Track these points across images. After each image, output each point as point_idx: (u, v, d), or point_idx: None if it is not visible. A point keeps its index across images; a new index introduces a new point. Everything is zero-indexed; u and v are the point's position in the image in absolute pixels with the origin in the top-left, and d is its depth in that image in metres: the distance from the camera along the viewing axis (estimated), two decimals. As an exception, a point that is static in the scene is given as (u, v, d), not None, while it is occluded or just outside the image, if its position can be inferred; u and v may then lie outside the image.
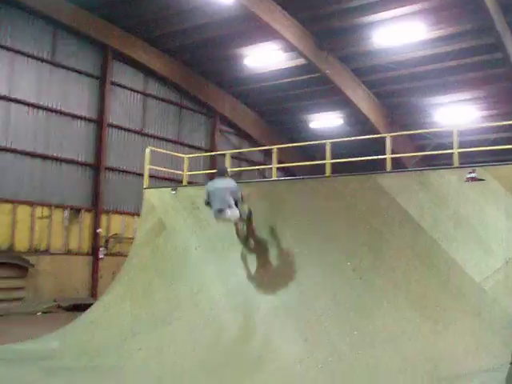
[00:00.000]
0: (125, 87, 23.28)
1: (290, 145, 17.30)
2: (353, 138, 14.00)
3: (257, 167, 19.90)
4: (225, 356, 9.37)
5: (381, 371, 8.13)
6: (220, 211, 10.63)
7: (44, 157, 20.16)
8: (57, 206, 20.49)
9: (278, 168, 14.10)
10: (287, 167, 17.54)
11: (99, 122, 22.05)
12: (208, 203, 10.98)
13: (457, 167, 10.43)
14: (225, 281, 11.34)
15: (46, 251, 19.98)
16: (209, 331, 10.16)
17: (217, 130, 27.67)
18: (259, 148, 25.87)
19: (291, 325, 9.80)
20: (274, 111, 29.43)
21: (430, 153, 23.47)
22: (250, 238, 11.37)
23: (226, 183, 11.00)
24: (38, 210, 19.88)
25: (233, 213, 10.68)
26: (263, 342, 9.52)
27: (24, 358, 10.07)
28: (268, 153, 14.61)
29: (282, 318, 9.99)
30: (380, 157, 11.91)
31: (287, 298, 10.41)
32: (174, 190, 13.49)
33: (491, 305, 8.50)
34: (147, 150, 14.52)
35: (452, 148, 10.90)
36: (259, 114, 29.86)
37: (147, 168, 14.38)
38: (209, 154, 24.24)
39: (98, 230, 21.66)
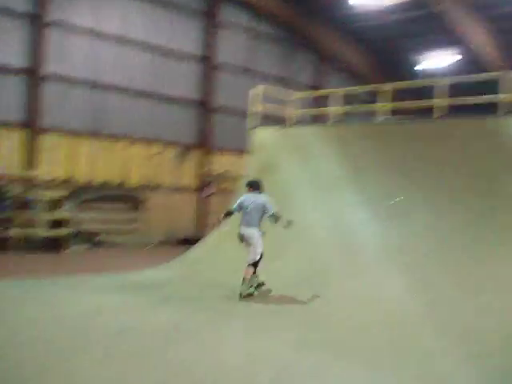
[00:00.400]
0: (232, 25, 23.32)
1: (401, 83, 16.66)
2: (467, 77, 13.32)
3: (366, 106, 19.32)
4: (330, 293, 9.55)
5: (489, 316, 7.99)
6: (241, 238, 9.93)
7: (156, 95, 20.81)
8: (167, 144, 21.26)
9: (386, 108, 13.76)
10: (396, 108, 16.92)
11: (207, 61, 22.37)
12: (229, 213, 10.23)
13: None
14: (333, 219, 11.45)
15: (157, 187, 20.89)
16: (317, 266, 10.35)
17: (324, 69, 27.22)
18: (368, 86, 25.17)
19: (400, 265, 9.80)
20: (383, 49, 28.39)
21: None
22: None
23: (260, 200, 9.90)
24: (150, 148, 20.73)
25: (250, 252, 9.78)
26: (371, 281, 9.60)
27: (140, 286, 10.74)
28: (376, 93, 14.19)
29: (390, 258, 9.99)
30: (495, 97, 11.23)
31: (394, 240, 10.37)
32: (282, 128, 13.52)
33: None
34: (255, 89, 14.59)
35: None
36: (367, 53, 28.96)
37: (255, 107, 14.48)
38: (318, 92, 23.93)
39: (206, 168, 22.32)
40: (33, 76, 17.71)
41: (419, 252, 9.91)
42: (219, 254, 12.13)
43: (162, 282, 11.13)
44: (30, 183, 16.92)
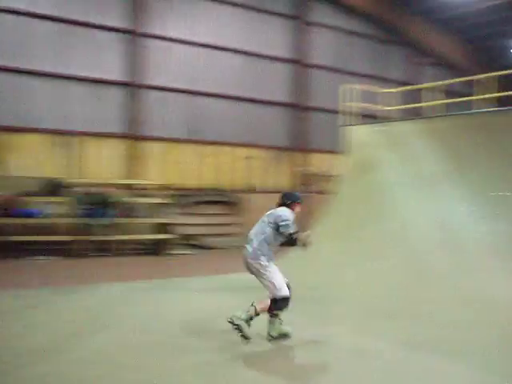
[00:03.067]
0: (323, 26, 23.29)
1: (498, 73, 15.96)
2: None
3: (463, 99, 18.61)
4: (433, 291, 9.32)
5: None
6: (244, 258, 7.08)
7: (250, 100, 21.19)
8: (264, 147, 21.64)
9: (487, 99, 13.23)
10: (500, 98, 16.23)
11: (299, 62, 22.46)
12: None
13: None
14: (431, 216, 11.15)
15: (256, 189, 21.23)
16: (418, 268, 10.13)
17: (417, 63, 26.53)
18: (462, 79, 24.33)
19: (504, 263, 9.40)
20: (478, 38, 27.34)
21: None
22: None
23: (275, 212, 7.18)
24: (248, 151, 21.19)
25: (271, 286, 6.81)
26: (473, 280, 9.28)
27: (250, 287, 10.87)
28: (474, 83, 13.67)
29: (495, 257, 9.61)
30: None
31: (500, 237, 9.96)
32: (378, 126, 13.33)
33: None
34: (347, 87, 14.49)
35: None
36: (462, 43, 27.97)
37: (347, 105, 14.37)
38: (413, 87, 23.36)
39: (301, 169, 22.41)
40: (132, 88, 18.51)
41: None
42: (323, 251, 12.08)
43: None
44: (133, 190, 17.68)
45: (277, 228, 6.99)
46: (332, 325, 7.99)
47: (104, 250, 15.95)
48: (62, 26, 17.32)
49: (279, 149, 22.14)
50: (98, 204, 15.67)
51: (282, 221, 6.95)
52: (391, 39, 25.75)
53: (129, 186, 17.81)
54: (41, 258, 14.72)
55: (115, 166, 18.29)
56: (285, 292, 6.80)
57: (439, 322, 8.07)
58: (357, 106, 15.00)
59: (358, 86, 15.73)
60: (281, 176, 22.24)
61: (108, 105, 18.22)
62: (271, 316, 6.95)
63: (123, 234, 16.23)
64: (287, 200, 7.36)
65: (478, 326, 7.74)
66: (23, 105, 16.72)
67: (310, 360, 6.50)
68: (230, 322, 6.73)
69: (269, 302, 6.82)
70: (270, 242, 7.03)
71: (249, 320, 6.73)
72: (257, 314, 6.78)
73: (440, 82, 14.57)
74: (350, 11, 23.98)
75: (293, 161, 22.58)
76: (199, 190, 19.72)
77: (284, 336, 7.04)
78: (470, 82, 14.78)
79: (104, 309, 8.86)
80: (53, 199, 15.54)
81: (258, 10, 21.30)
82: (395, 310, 8.78)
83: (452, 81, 15.88)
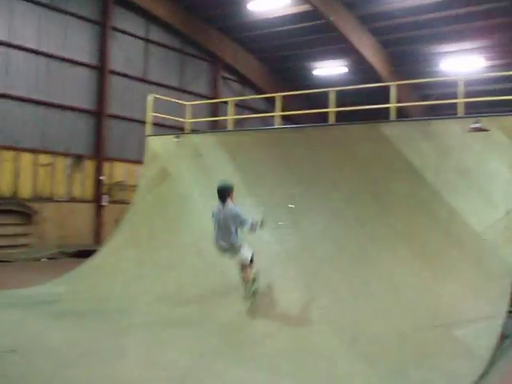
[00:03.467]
0: (126, 33, 22.90)
1: (294, 92, 17.10)
2: (357, 87, 13.86)
3: (260, 115, 19.65)
4: (228, 301, 9.55)
5: (380, 317, 8.30)
6: (223, 250, 8.90)
7: (46, 104, 20.00)
8: (59, 154, 20.50)
9: (281, 116, 14.04)
10: (290, 116, 17.45)
11: (101, 69, 21.81)
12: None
13: (461, 117, 10.39)
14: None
15: (50, 198, 20.10)
16: (212, 277, 10.33)
17: (219, 77, 27.40)
18: (262, 95, 25.64)
19: (293, 271, 9.96)
20: (277, 58, 29.03)
21: (434, 102, 23.27)
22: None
23: (229, 212, 8.66)
24: (41, 158, 19.90)
25: (241, 257, 8.87)
26: (265, 287, 9.69)
27: (31, 303, 10.27)
28: (271, 101, 14.47)
29: (285, 264, 10.15)
30: (384, 105, 11.83)
31: (289, 245, 10.55)
32: (177, 137, 13.48)
33: (490, 254, 8.62)
34: (149, 98, 14.42)
35: (457, 98, 10.82)
36: (263, 61, 29.50)
37: (150, 115, 14.32)
38: (211, 101, 24.03)
39: (101, 178, 21.75)
40: None
41: (315, 255, 10.13)
42: (117, 263, 11.83)
43: (54, 297, 10.67)
44: None
45: (238, 222, 8.55)
46: (125, 337, 7.81)
47: None
48: None
49: (82, 156, 21.26)
50: None
51: (240, 221, 8.55)
52: (197, 54, 26.25)
53: None
54: None
55: None
56: (250, 254, 8.90)
57: (233, 329, 8.28)
58: (160, 116, 15.00)
59: (164, 97, 15.76)
60: (84, 184, 21.37)
61: None
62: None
63: None
64: (227, 194, 8.74)
65: (272, 332, 8.06)
66: None
67: (103, 371, 6.25)
68: (249, 297, 8.88)
69: (246, 269, 8.89)
70: (238, 232, 8.68)
71: (251, 287, 8.88)
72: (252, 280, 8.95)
73: (238, 98, 15.08)
74: (155, 21, 23.95)
75: (96, 169, 21.83)
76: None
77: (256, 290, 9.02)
78: (270, 100, 15.57)
79: None
80: None
81: (60, 11, 20.28)
82: (189, 319, 8.86)
83: (250, 97, 16.55)
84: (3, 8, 18.67)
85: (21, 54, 19.21)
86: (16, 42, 19.01)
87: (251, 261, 8.95)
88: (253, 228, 8.60)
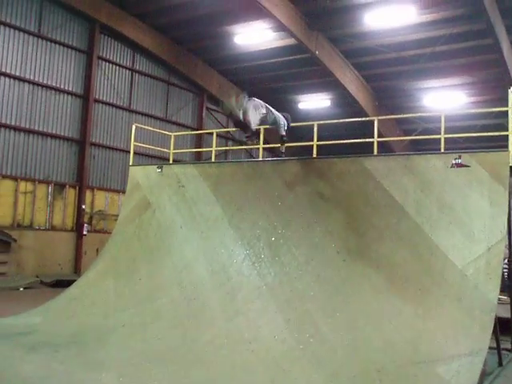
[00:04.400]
0: (112, 62, 23.01)
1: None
2: (340, 121, 13.97)
3: (243, 147, 19.71)
4: (208, 334, 9.40)
5: (361, 352, 8.20)
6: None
7: (28, 131, 19.91)
8: (41, 182, 20.34)
9: (264, 148, 14.07)
10: (274, 148, 17.60)
11: (85, 97, 21.81)
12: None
13: (443, 152, 10.45)
14: (208, 260, 11.33)
15: (30, 227, 19.86)
16: (192, 310, 10.18)
17: (204, 108, 27.52)
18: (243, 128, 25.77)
19: (274, 305, 9.84)
20: (262, 91, 29.13)
21: (416, 137, 23.56)
22: None
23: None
24: (22, 185, 19.71)
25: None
26: (245, 321, 9.56)
27: (4, 334, 10.03)
28: (255, 133, 14.51)
29: (265, 298, 10.03)
30: (367, 140, 11.93)
31: (270, 279, 10.44)
32: (160, 167, 13.43)
33: (472, 290, 8.58)
34: (133, 127, 14.41)
35: (439, 133, 10.93)
36: (247, 94, 29.65)
37: (133, 145, 14.28)
38: (195, 132, 24.10)
39: (82, 206, 21.56)
40: None
41: (296, 289, 10.04)
42: (95, 295, 11.63)
43: (29, 329, 10.42)
44: None
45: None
46: (101, 371, 7.62)
47: None
48: None
49: (64, 185, 21.11)
50: None
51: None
52: (183, 85, 26.40)
53: None
54: None
55: None
56: None
57: (213, 361, 8.12)
58: (144, 146, 14.97)
59: (148, 127, 15.77)
60: (65, 213, 21.15)
61: None
62: None
63: None
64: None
65: (249, 366, 7.92)
66: None
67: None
68: None
69: None
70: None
71: None
72: None
73: (220, 129, 15.11)
74: (141, 52, 24.09)
75: (77, 198, 21.64)
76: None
77: None
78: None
79: None
80: None
81: (46, 39, 20.33)
82: (169, 353, 8.69)
83: (234, 129, 16.60)
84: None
85: (5, 80, 19.17)
86: (1, 69, 18.98)
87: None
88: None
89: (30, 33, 19.86)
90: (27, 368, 7.73)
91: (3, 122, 19.11)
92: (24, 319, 11.39)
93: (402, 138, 27.50)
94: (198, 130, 25.60)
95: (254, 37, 22.92)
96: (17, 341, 9.47)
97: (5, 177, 19.17)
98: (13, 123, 19.40)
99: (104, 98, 22.58)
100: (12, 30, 19.35)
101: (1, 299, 15.48)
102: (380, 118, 12.58)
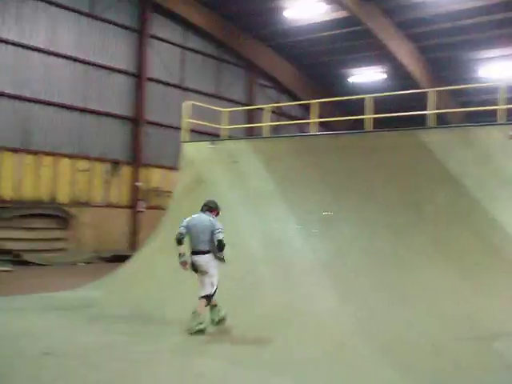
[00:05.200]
0: (164, 40, 23.18)
1: (331, 99, 16.90)
2: (395, 93, 13.67)
3: (295, 122, 19.57)
4: (262, 308, 9.48)
5: (416, 327, 8.11)
6: (195, 268, 8.56)
7: (83, 110, 20.35)
8: (97, 160, 20.80)
9: (317, 123, 13.93)
10: (327, 122, 17.33)
11: (138, 76, 22.09)
12: (179, 239, 8.66)
13: (502, 124, 10.13)
14: (262, 235, 11.39)
15: (87, 203, 20.38)
16: (246, 283, 10.26)
17: (255, 84, 27.45)
18: (298, 102, 25.57)
19: (326, 280, 9.83)
20: (313, 65, 28.93)
21: (474, 109, 22.81)
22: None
23: (207, 222, 8.59)
24: (79, 163, 20.21)
25: (204, 285, 8.42)
26: (299, 295, 9.58)
27: (65, 306, 10.38)
28: (307, 108, 14.38)
29: (318, 272, 10.02)
30: (423, 112, 11.64)
31: (323, 254, 10.43)
32: (213, 143, 13.49)
33: (532, 265, 8.36)
34: (185, 104, 14.48)
35: (497, 104, 10.57)
36: (299, 68, 29.42)
37: (185, 122, 14.37)
38: (248, 107, 24.06)
39: (137, 184, 21.96)
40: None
41: (348, 264, 10.00)
42: (151, 270, 11.86)
43: (90, 301, 10.76)
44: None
45: (212, 232, 8.45)
46: (158, 342, 7.80)
47: None
48: None
49: (118, 162, 21.54)
50: None
51: (214, 231, 8.41)
52: (233, 61, 26.37)
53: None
54: None
55: None
56: (214, 289, 8.44)
57: (270, 335, 8.18)
58: (195, 123, 15.04)
59: (200, 104, 15.81)
60: (120, 190, 21.62)
61: None
62: (212, 306, 8.54)
63: None
64: (211, 209, 8.88)
65: (305, 339, 7.95)
66: None
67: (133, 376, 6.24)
68: (192, 333, 8.07)
69: (202, 302, 8.34)
70: (212, 244, 8.47)
71: (202, 323, 8.21)
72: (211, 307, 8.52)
73: (273, 104, 15.03)
74: (191, 29, 24.14)
75: (132, 175, 22.07)
76: (28, 202, 18.52)
77: (223, 319, 8.67)
78: (306, 106, 15.49)
79: None
80: None
81: (98, 19, 20.61)
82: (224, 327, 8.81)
83: (286, 104, 16.48)
84: (44, 16, 19.05)
85: (60, 61, 19.57)
86: (56, 50, 19.38)
87: (209, 296, 8.39)
88: (219, 246, 8.40)
89: (82, 13, 20.16)
90: (87, 339, 7.97)
91: (59, 101, 19.54)
92: (84, 293, 11.77)
93: (459, 110, 26.72)
94: (249, 105, 25.55)
95: (304, 10, 22.57)
96: (77, 313, 9.77)
97: (63, 155, 19.68)
98: (68, 103, 19.83)
99: (156, 77, 22.80)
100: (65, 11, 19.68)
101: (61, 274, 15.98)
102: (436, 89, 12.26)
